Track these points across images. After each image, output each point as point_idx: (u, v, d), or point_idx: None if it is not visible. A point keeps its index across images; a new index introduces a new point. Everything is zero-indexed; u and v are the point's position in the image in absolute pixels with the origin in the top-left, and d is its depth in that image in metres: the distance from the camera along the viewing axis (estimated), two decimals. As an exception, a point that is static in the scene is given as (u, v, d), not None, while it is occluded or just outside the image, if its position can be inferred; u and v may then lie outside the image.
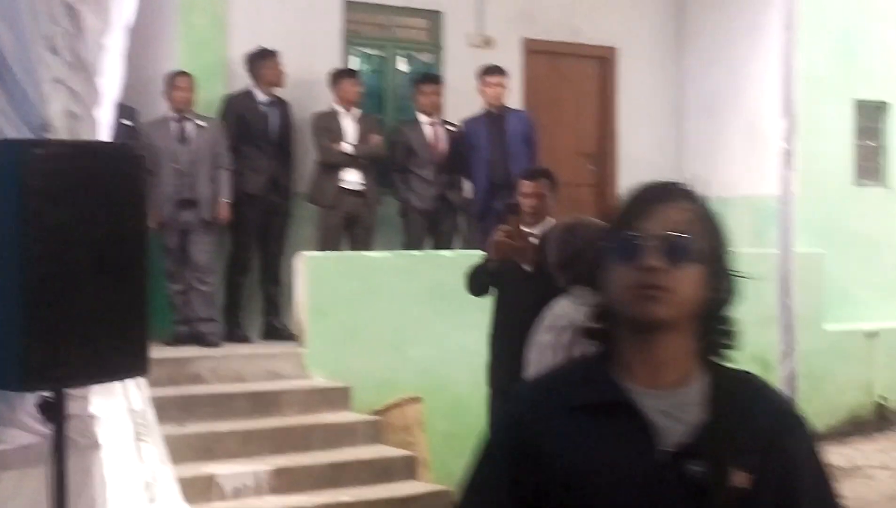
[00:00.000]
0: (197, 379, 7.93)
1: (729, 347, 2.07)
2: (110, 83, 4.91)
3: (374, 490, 7.12)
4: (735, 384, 2.04)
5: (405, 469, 7.42)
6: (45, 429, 4.10)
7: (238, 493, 6.86)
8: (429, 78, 9.91)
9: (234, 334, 8.87)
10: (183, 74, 8.76)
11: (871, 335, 10.88)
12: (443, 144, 9.60)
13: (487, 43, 10.67)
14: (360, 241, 9.27)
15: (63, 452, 3.97)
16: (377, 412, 7.97)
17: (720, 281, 2.03)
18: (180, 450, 6.54)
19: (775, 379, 7.31)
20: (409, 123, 9.75)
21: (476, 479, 2.08)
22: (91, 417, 4.57)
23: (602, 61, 11.55)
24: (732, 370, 2.07)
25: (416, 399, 8.13)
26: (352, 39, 10.24)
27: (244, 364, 8.18)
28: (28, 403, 4.32)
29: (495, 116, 9.57)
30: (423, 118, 9.63)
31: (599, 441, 1.97)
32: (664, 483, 1.93)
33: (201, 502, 6.49)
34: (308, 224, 9.41)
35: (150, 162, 8.04)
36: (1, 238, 3.84)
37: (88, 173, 3.96)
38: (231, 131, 8.87)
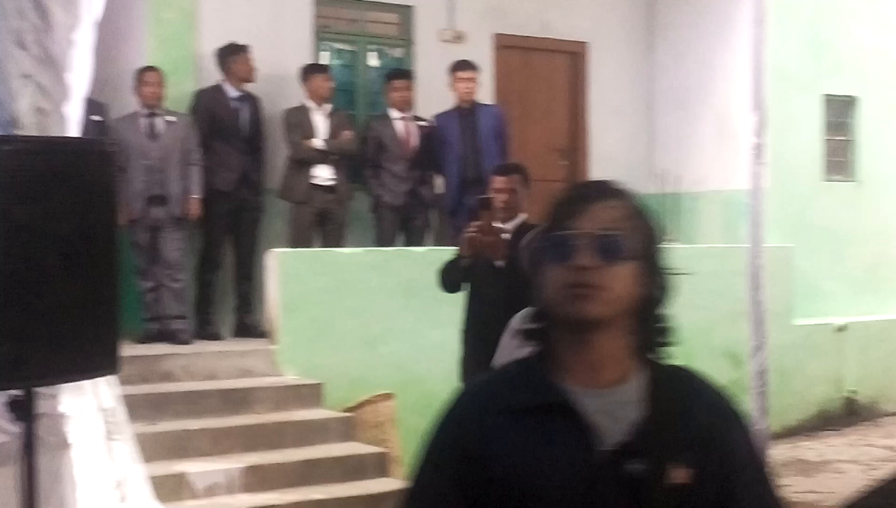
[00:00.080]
0: (168, 377, 7.89)
1: (665, 343, 2.07)
2: (79, 79, 4.87)
3: (346, 488, 7.10)
4: (672, 381, 2.04)
5: (378, 466, 7.40)
6: (15, 428, 4.06)
7: (210, 491, 6.83)
8: (400, 73, 9.89)
9: (206, 331, 8.83)
10: (152, 69, 8.71)
11: (841, 329, 10.95)
12: (414, 140, 9.58)
13: (458, 38, 10.66)
14: (332, 237, 9.25)
15: (33, 451, 3.94)
16: (349, 409, 7.95)
17: (654, 278, 2.03)
18: (151, 449, 6.52)
19: (746, 373, 7.34)
20: (380, 118, 9.72)
21: (419, 483, 2.08)
22: (61, 416, 4.54)
23: (573, 56, 11.56)
24: (670, 366, 2.08)
25: (388, 396, 8.11)
26: (322, 34, 10.20)
27: (216, 362, 8.14)
28: (-3, 402, 4.28)
29: (466, 112, 9.57)
30: (394, 114, 9.61)
31: (539, 443, 1.97)
32: (604, 482, 1.94)
33: (173, 500, 6.46)
34: (279, 220, 9.38)
35: (119, 158, 8.02)
36: (-31, 236, 3.80)
37: (57, 170, 3.93)
38: (201, 127, 8.82)
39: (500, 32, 11.00)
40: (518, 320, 4.23)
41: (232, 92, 9.01)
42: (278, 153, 9.31)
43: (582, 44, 11.52)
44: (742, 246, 7.34)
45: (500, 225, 5.90)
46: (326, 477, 7.15)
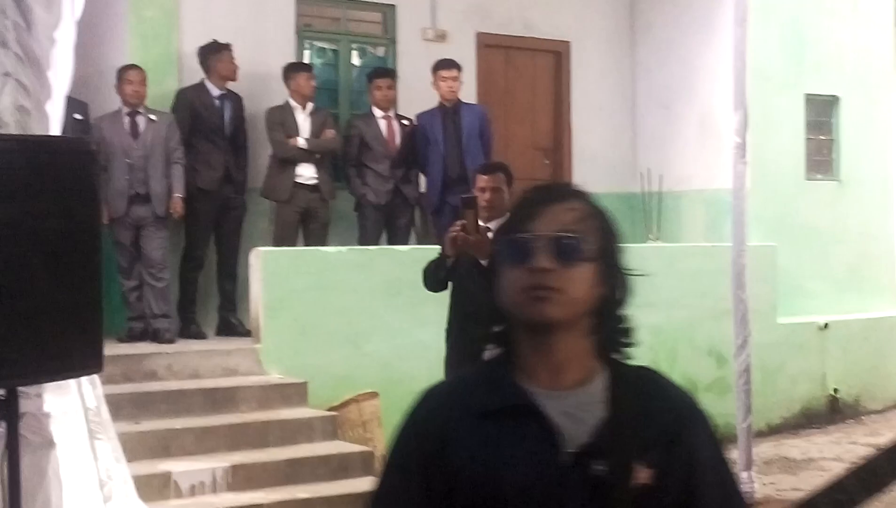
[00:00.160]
0: (152, 376, 7.87)
1: (627, 344, 2.08)
2: (61, 77, 4.85)
3: (331, 487, 7.09)
4: (635, 381, 2.05)
5: (362, 464, 7.40)
6: (-2, 428, 4.05)
7: (195, 490, 6.81)
8: (383, 72, 9.89)
9: (189, 330, 8.82)
10: (134, 67, 8.68)
11: (824, 327, 10.98)
12: (397, 139, 9.58)
13: (441, 37, 10.66)
14: (316, 236, 9.24)
15: (16, 450, 3.92)
16: (334, 408, 7.94)
17: (613, 278, 2.04)
18: (136, 448, 6.51)
19: (730, 372, 7.36)
20: (363, 117, 9.72)
21: (384, 486, 2.09)
22: (45, 415, 4.52)
23: (556, 55, 11.58)
24: (632, 366, 2.08)
25: (372, 395, 8.11)
26: (305, 33, 10.19)
27: (199, 361, 8.12)
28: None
29: (449, 111, 9.56)
30: (377, 112, 9.61)
31: (504, 446, 1.97)
32: (569, 484, 1.94)
33: (157, 500, 6.44)
34: (263, 219, 9.37)
35: (101, 157, 8.00)
36: (-49, 235, 3.78)
37: (40, 169, 3.91)
38: (184, 126, 8.80)
39: (483, 31, 11.01)
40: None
41: (214, 90, 8.99)
42: (261, 152, 9.30)
43: (564, 43, 11.53)
44: (725, 245, 7.36)
45: (484, 224, 5.90)
46: (311, 476, 7.14)
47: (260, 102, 9.35)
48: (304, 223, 9.24)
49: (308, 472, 7.17)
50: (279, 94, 9.28)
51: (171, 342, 8.41)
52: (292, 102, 9.21)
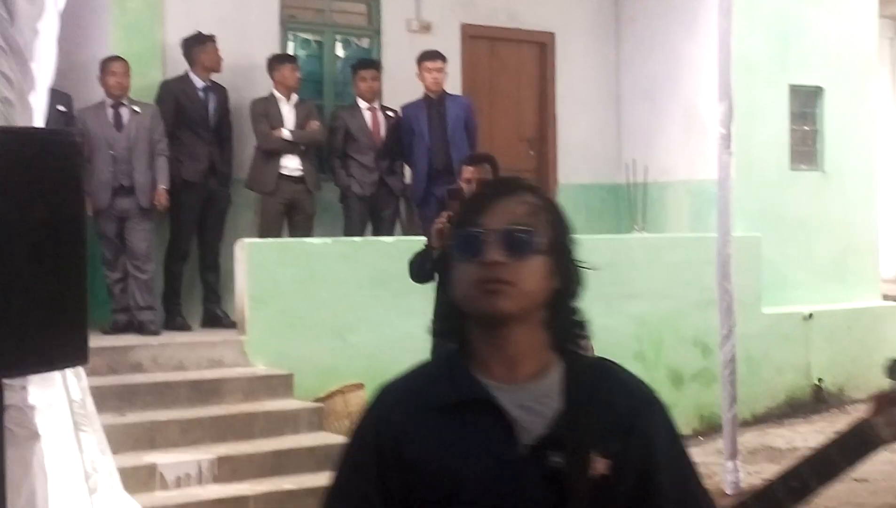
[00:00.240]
0: (137, 368, 7.85)
1: (581, 336, 2.09)
2: (44, 69, 4.82)
3: (317, 478, 7.08)
4: (591, 372, 2.06)
5: (348, 456, 7.39)
6: (-17, 420, 4.03)
7: (180, 482, 6.81)
8: (367, 63, 9.88)
9: (174, 322, 8.80)
10: (117, 59, 8.65)
11: (808, 317, 11.02)
12: (382, 130, 9.57)
13: (426, 28, 10.65)
14: (301, 227, 9.23)
15: (1, 443, 3.91)
16: (320, 400, 7.94)
17: (565, 271, 2.04)
18: (121, 440, 6.50)
19: (715, 362, 7.38)
20: (348, 108, 9.71)
21: (339, 483, 2.09)
22: (30, 407, 4.51)
23: (540, 47, 11.58)
24: (588, 358, 2.10)
25: (358, 386, 8.11)
26: (289, 24, 10.17)
27: (185, 353, 8.11)
28: (-36, 394, 4.25)
29: (434, 102, 9.55)
30: (362, 104, 9.59)
31: (461, 440, 1.98)
32: (526, 477, 1.95)
33: (143, 492, 6.43)
34: (248, 211, 9.35)
35: (85, 149, 7.98)
36: (-66, 227, 3.76)
37: (24, 160, 3.89)
38: (168, 117, 8.78)
39: (468, 23, 11.00)
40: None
41: (199, 82, 8.97)
42: (246, 144, 9.28)
43: (549, 35, 11.53)
44: (710, 236, 7.38)
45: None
46: (297, 468, 7.14)
47: (244, 93, 9.33)
48: (289, 215, 9.23)
49: (294, 463, 7.17)
50: (264, 85, 9.26)
51: (156, 333, 8.39)
52: (277, 94, 9.20)
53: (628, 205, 11.49)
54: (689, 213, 11.23)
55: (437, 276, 6.10)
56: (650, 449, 2.02)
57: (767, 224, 10.89)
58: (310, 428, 7.63)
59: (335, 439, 7.58)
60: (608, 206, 11.75)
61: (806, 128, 11.85)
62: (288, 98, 9.21)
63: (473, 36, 11.06)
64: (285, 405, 7.79)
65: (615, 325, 8.66)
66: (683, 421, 9.77)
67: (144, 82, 8.92)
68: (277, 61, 9.31)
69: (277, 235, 9.10)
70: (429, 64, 9.55)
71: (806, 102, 11.82)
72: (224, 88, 9.13)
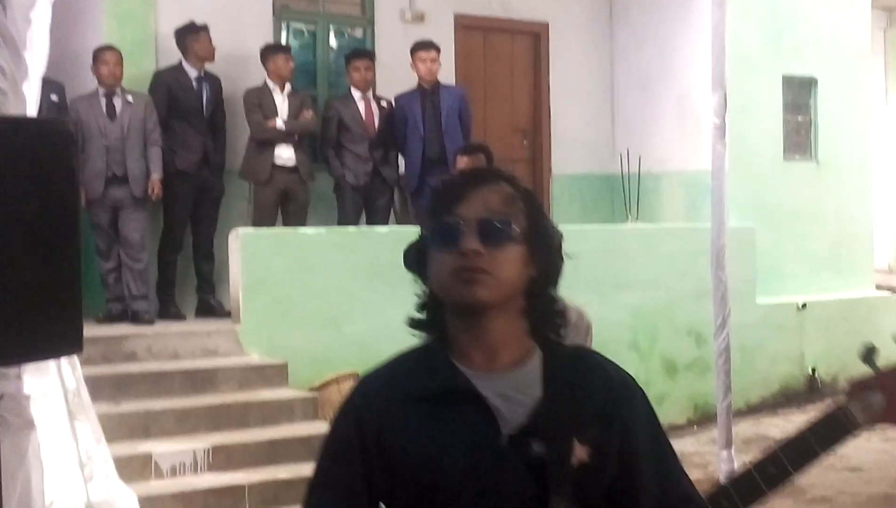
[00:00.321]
0: (131, 357, 7.85)
1: (560, 324, 2.09)
2: (37, 58, 4.82)
3: (312, 467, 7.09)
4: (570, 360, 2.07)
5: (342, 445, 7.40)
6: (-22, 409, 4.04)
7: (175, 471, 6.82)
8: (361, 53, 9.86)
9: (168, 311, 8.80)
10: (110, 48, 8.63)
11: (802, 307, 11.04)
12: (376, 120, 9.57)
13: (419, 18, 10.64)
14: (295, 217, 9.22)
15: (-4, 432, 3.91)
16: (314, 389, 7.94)
17: (542, 259, 2.05)
18: (116, 429, 6.51)
19: (709, 352, 7.39)
20: (341, 98, 9.70)
21: (322, 474, 2.09)
22: (25, 397, 4.51)
23: (534, 37, 11.57)
24: (567, 346, 2.10)
25: (353, 376, 8.10)
26: (282, 14, 10.15)
27: (179, 342, 8.11)
28: (-41, 383, 4.25)
29: (428, 92, 9.55)
30: (356, 94, 9.58)
31: (443, 430, 1.99)
32: (508, 465, 1.96)
33: (139, 480, 6.44)
34: (241, 201, 9.35)
35: (79, 138, 7.96)
36: (-71, 216, 3.75)
37: (17, 150, 3.88)
38: (161, 107, 8.77)
39: (461, 13, 10.99)
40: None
41: (192, 72, 8.95)
42: (240, 133, 9.27)
43: (543, 25, 11.53)
44: (704, 226, 7.37)
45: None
46: (292, 457, 7.14)
47: (238, 83, 9.31)
48: (283, 205, 9.22)
49: (288, 452, 7.17)
50: (257, 75, 9.25)
51: (150, 323, 8.39)
52: (270, 84, 9.18)
53: (622, 195, 11.49)
54: (683, 203, 11.24)
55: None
56: (630, 435, 2.03)
57: (761, 214, 10.91)
58: (304, 417, 7.64)
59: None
60: (602, 196, 11.76)
61: (800, 118, 11.86)
62: (282, 88, 9.20)
63: (467, 26, 11.05)
64: (280, 394, 7.80)
65: (609, 315, 8.66)
66: (678, 411, 9.80)
67: (138, 72, 8.91)
68: (271, 51, 9.30)
69: (271, 224, 9.09)
70: (422, 54, 9.55)
71: (800, 93, 11.83)
72: (217, 77, 9.12)
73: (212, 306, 8.96)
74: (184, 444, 6.99)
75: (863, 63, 12.28)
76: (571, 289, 4.25)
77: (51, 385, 5.01)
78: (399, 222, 9.69)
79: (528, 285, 2.02)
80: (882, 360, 2.16)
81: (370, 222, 9.52)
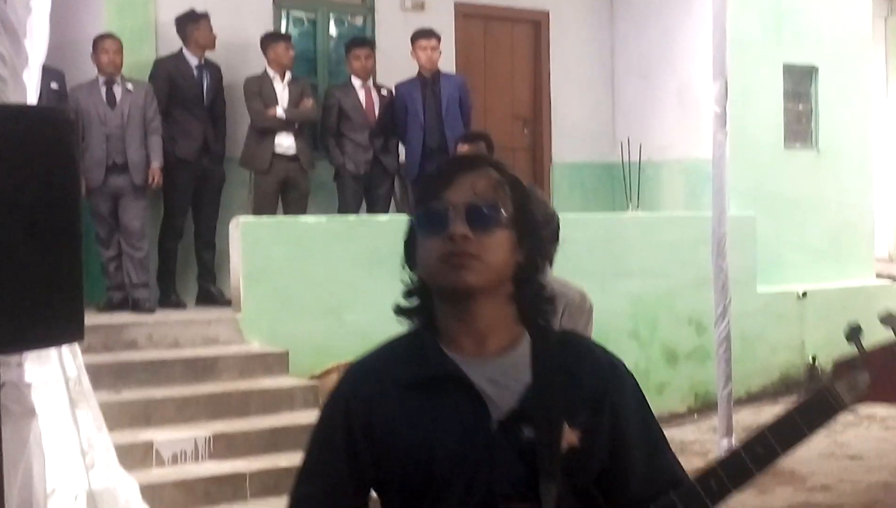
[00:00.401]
0: (132, 345, 7.86)
1: (547, 309, 2.10)
2: (37, 46, 4.81)
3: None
4: (559, 345, 2.07)
5: (343, 433, 7.40)
6: (-21, 397, 4.04)
7: (176, 459, 6.83)
8: (361, 42, 9.85)
9: (169, 300, 8.80)
10: (109, 36, 8.62)
11: (803, 296, 11.05)
12: (376, 108, 9.56)
13: (419, 6, 10.62)
14: (295, 206, 9.21)
15: (-2, 420, 3.92)
16: (315, 377, 7.95)
17: (530, 245, 2.05)
18: (117, 417, 6.52)
19: (710, 340, 7.40)
20: (341, 87, 9.68)
21: (311, 462, 2.09)
22: (26, 385, 4.51)
23: (535, 25, 11.55)
24: (555, 331, 2.11)
25: (353, 364, 8.11)
26: (283, 2, 10.13)
27: (180, 330, 8.12)
28: (-40, 371, 4.25)
29: (429, 80, 9.54)
30: (356, 82, 9.57)
31: (432, 416, 1.99)
32: (498, 451, 1.97)
33: (140, 468, 6.45)
34: (241, 189, 9.34)
35: (78, 126, 7.95)
36: (-71, 204, 3.75)
37: (18, 138, 3.88)
38: (162, 95, 8.76)
39: (462, 1, 10.97)
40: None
41: (192, 60, 8.94)
42: (240, 122, 9.26)
43: (544, 13, 11.51)
44: (705, 214, 7.37)
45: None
46: (293, 445, 7.12)
47: (238, 71, 9.30)
48: (284, 193, 9.22)
49: (289, 441, 7.17)
50: (257, 63, 9.23)
51: (150, 311, 8.40)
52: (270, 72, 9.17)
53: (623, 184, 11.48)
54: (683, 192, 11.23)
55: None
56: (619, 419, 2.03)
57: (762, 203, 10.90)
58: (305, 406, 7.64)
59: (330, 417, 7.59)
60: (602, 185, 11.75)
61: (800, 107, 11.86)
62: (282, 76, 9.19)
63: (467, 14, 11.03)
64: (280, 382, 7.81)
65: (610, 304, 8.66)
66: (678, 399, 9.81)
67: (138, 60, 8.90)
68: (271, 39, 9.29)
69: (272, 213, 9.09)
70: (423, 42, 9.54)
71: (800, 81, 11.82)
72: (218, 65, 9.11)
73: (212, 294, 8.97)
74: (185, 432, 7.00)
75: (863, 51, 12.27)
76: (572, 277, 4.27)
77: (52, 373, 5.01)
78: (399, 210, 9.68)
79: (515, 271, 2.03)
80: (869, 341, 2.17)
81: (370, 210, 9.52)
